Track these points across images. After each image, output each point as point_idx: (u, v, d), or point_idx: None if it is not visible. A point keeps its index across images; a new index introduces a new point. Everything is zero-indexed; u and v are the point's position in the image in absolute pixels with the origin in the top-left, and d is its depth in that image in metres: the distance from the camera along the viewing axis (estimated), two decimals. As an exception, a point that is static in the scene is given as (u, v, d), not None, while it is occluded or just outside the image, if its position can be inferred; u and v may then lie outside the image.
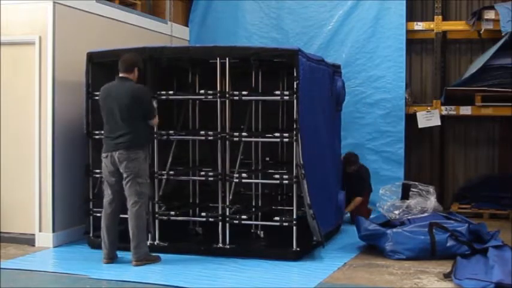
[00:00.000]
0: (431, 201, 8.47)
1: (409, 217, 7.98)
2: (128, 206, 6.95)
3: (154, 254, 7.10)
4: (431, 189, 8.75)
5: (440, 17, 10.43)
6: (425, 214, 8.09)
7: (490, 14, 9.84)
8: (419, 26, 10.55)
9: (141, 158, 6.94)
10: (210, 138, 7.51)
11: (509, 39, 9.51)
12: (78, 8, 8.24)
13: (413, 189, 8.79)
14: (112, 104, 6.96)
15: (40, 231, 7.89)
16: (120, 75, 7.07)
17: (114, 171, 6.96)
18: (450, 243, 7.19)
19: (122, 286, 6.29)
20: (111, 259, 7.03)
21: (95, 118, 7.80)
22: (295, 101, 7.10)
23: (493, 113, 9.90)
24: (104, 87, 7.14)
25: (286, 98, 7.37)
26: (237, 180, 7.41)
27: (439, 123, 10.20)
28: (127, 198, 6.95)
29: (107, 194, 7.07)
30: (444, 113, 10.20)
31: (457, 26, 10.49)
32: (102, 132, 7.73)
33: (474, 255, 6.99)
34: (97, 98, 7.73)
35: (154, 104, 7.38)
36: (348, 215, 9.19)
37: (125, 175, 6.90)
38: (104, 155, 7.03)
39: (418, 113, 10.23)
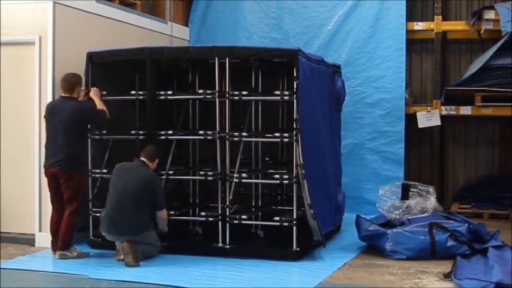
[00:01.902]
0: (431, 201, 8.48)
1: (409, 217, 7.99)
2: None
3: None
4: (431, 189, 8.75)
5: (440, 17, 10.42)
6: (425, 214, 8.10)
7: (490, 14, 9.83)
8: (419, 26, 10.54)
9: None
10: (209, 138, 7.50)
11: (509, 39, 9.50)
12: (78, 8, 8.23)
13: (413, 189, 8.80)
14: (121, 181, 7.15)
15: (40, 231, 7.89)
16: (141, 158, 7.30)
17: None
18: (450, 243, 7.19)
19: (122, 286, 6.29)
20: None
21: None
22: (295, 101, 7.10)
23: (493, 113, 9.89)
24: (119, 165, 7.33)
25: (286, 98, 7.37)
26: (237, 180, 7.41)
27: (439, 123, 10.20)
28: None
29: None
30: (444, 113, 10.19)
31: (457, 26, 10.49)
32: (104, 132, 7.76)
33: (474, 255, 6.99)
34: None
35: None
36: None
37: None
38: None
39: (418, 113, 10.23)
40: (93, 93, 7.54)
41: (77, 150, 7.25)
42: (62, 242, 7.22)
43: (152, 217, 7.27)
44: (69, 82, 7.33)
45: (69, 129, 7.17)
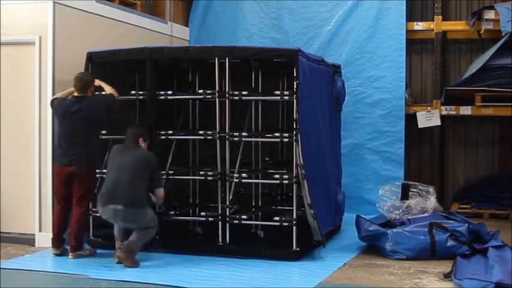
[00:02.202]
0: (431, 201, 8.47)
1: (409, 217, 7.98)
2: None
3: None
4: (431, 189, 8.75)
5: (440, 17, 10.42)
6: (426, 214, 8.09)
7: (490, 14, 9.83)
8: (419, 26, 10.54)
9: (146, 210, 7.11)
10: (209, 138, 7.50)
11: (509, 39, 9.50)
12: (78, 8, 8.24)
13: (413, 189, 8.79)
14: (119, 157, 7.14)
15: (40, 231, 7.89)
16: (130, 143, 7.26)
17: None
18: (450, 243, 7.19)
19: (122, 286, 6.29)
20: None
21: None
22: (295, 101, 7.10)
23: (493, 113, 9.88)
24: (116, 146, 7.33)
25: (286, 98, 7.37)
26: (237, 180, 7.41)
27: (439, 123, 10.20)
28: None
29: None
30: (444, 113, 10.19)
31: (457, 26, 10.49)
32: (103, 132, 7.77)
33: (474, 255, 6.98)
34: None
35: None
36: None
37: None
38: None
39: (418, 113, 10.22)
40: (97, 81, 7.51)
41: (93, 148, 7.32)
42: (76, 242, 7.24)
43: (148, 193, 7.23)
44: (83, 80, 7.33)
45: (86, 129, 7.23)
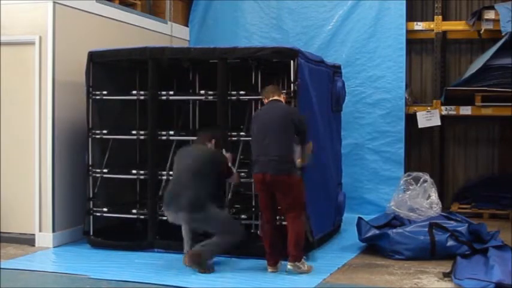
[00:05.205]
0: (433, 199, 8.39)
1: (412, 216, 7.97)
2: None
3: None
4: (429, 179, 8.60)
5: (440, 17, 10.43)
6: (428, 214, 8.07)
7: (490, 14, 9.84)
8: (419, 26, 10.55)
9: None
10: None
11: (509, 39, 9.51)
12: (78, 8, 8.24)
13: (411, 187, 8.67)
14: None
15: (40, 231, 7.90)
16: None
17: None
18: (450, 243, 7.19)
19: (121, 286, 6.29)
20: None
21: (95, 118, 7.82)
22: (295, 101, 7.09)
23: (493, 113, 9.88)
24: (181, 149, 7.12)
25: (285, 98, 7.36)
26: (237, 180, 7.40)
27: (439, 123, 10.20)
28: None
29: None
30: (444, 113, 10.19)
31: (457, 26, 10.49)
32: (104, 131, 7.78)
33: (474, 255, 6.99)
34: (98, 97, 7.78)
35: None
36: None
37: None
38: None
39: (418, 113, 10.23)
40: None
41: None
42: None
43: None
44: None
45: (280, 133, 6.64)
